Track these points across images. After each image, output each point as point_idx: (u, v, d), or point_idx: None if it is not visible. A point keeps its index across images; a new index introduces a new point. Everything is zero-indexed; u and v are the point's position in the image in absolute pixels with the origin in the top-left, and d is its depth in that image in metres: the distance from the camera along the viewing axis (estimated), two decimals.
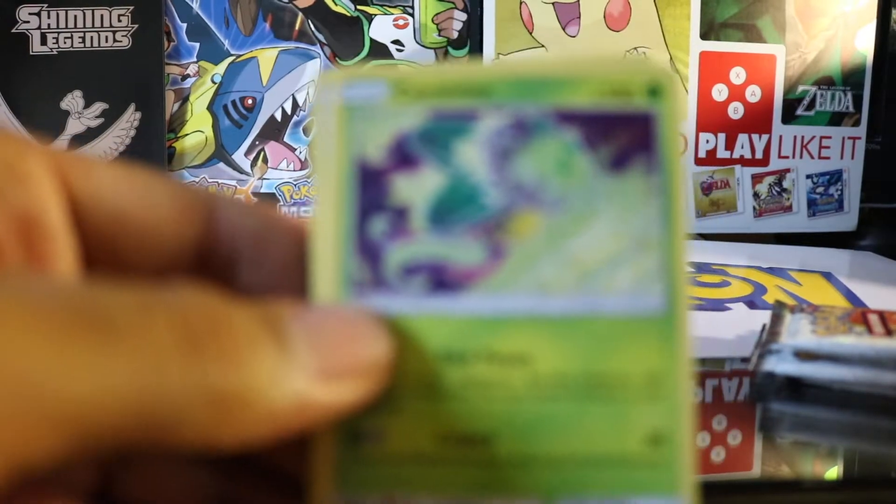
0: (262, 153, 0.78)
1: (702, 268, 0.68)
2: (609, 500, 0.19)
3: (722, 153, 0.82)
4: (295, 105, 0.79)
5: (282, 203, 0.78)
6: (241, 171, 0.78)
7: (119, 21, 0.72)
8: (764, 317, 0.49)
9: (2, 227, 0.18)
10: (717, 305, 0.58)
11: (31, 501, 0.17)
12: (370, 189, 0.20)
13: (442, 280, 0.20)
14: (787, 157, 0.83)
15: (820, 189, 0.83)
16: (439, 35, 0.79)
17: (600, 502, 0.19)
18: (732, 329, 0.52)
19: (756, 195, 0.83)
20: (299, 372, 0.17)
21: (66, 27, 0.70)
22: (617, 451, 0.19)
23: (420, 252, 0.20)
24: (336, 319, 0.18)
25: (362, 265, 0.20)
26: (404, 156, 0.20)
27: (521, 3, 0.79)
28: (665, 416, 0.19)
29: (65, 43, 0.70)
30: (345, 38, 0.78)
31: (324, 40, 0.78)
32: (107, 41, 0.72)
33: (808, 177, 0.83)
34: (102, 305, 0.15)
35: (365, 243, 0.20)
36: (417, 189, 0.20)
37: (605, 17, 0.80)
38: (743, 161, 0.82)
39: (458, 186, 0.20)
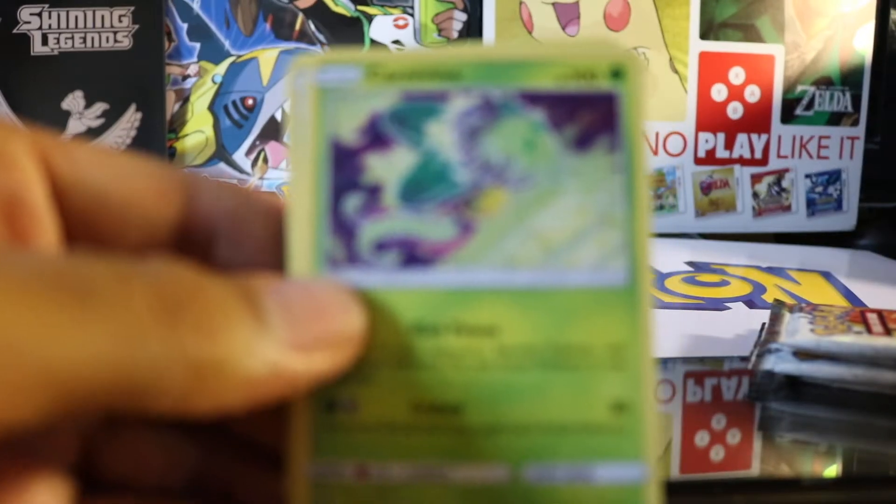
0: (262, 153, 0.78)
1: (701, 267, 0.68)
2: (575, 465, 0.20)
3: (721, 153, 0.82)
4: None
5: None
6: (242, 172, 0.78)
7: (120, 21, 0.72)
8: (763, 316, 0.49)
9: None
10: (717, 305, 0.58)
11: (12, 472, 0.17)
12: (344, 168, 0.21)
13: (413, 255, 0.20)
14: (786, 157, 0.83)
15: (819, 189, 0.83)
16: (439, 35, 0.79)
17: (566, 468, 0.19)
18: (732, 328, 0.53)
19: (755, 195, 0.83)
20: (273, 342, 0.17)
21: (67, 28, 0.70)
22: (582, 418, 0.20)
23: (392, 228, 0.20)
24: (310, 292, 0.19)
25: (336, 241, 0.20)
26: (377, 136, 0.21)
27: (520, 3, 0.79)
28: (628, 385, 0.20)
29: (66, 43, 0.70)
30: (345, 38, 0.78)
31: (324, 41, 0.78)
32: (108, 41, 0.72)
33: (806, 176, 0.84)
34: (81, 275, 0.15)
35: (339, 220, 0.20)
36: (390, 168, 0.21)
37: (604, 17, 0.80)
38: (742, 161, 0.82)
39: (429, 165, 0.20)
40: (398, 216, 0.20)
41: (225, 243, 0.21)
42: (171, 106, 0.77)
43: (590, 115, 0.21)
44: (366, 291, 0.20)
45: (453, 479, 0.20)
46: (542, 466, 0.20)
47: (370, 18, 0.79)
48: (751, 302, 0.59)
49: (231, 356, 0.16)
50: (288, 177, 0.21)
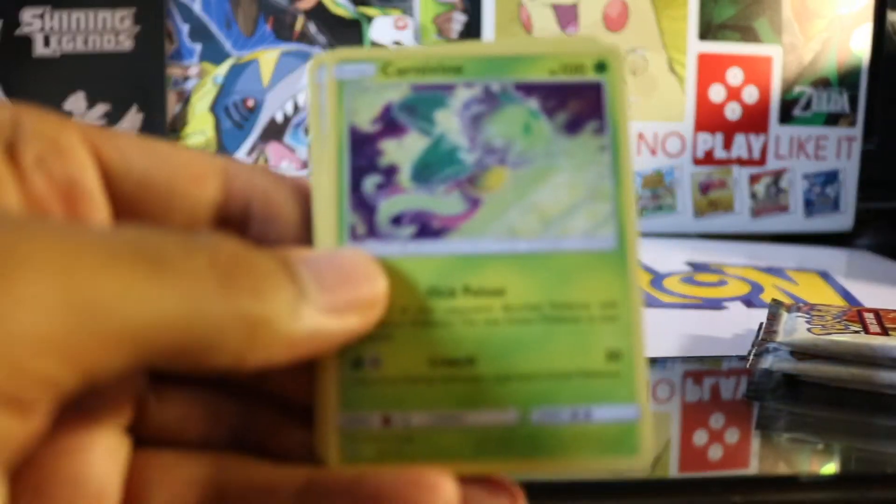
0: (263, 154, 0.79)
1: (699, 267, 0.69)
2: (576, 407, 0.22)
3: (719, 153, 0.82)
4: (296, 106, 0.79)
5: None
6: None
7: (121, 23, 0.72)
8: (761, 315, 0.49)
9: (48, 191, 0.20)
10: (715, 304, 0.58)
11: (75, 429, 0.20)
12: (362, 152, 0.23)
13: (427, 227, 0.23)
14: (783, 158, 0.83)
15: (816, 189, 0.84)
16: (439, 36, 0.79)
17: (569, 410, 0.22)
18: (730, 328, 0.53)
19: (753, 195, 0.83)
20: (311, 306, 0.19)
21: (69, 29, 0.70)
22: (581, 366, 0.22)
23: (407, 204, 0.23)
24: (338, 261, 0.21)
25: (358, 217, 0.23)
26: (391, 123, 0.23)
27: (519, 4, 0.79)
28: (621, 336, 0.22)
29: (67, 45, 0.70)
30: (345, 39, 0.78)
31: (325, 42, 0.78)
32: (109, 43, 0.72)
33: (804, 177, 0.84)
34: (153, 244, 0.17)
35: (359, 198, 0.23)
36: (403, 151, 0.23)
37: (603, 18, 0.80)
38: (740, 161, 0.83)
39: (438, 148, 0.23)
40: (412, 194, 0.23)
41: (258, 221, 0.23)
42: (172, 107, 0.77)
43: (579, 103, 0.23)
44: (385, 260, 0.22)
45: (468, 423, 0.22)
46: (548, 409, 0.22)
47: (370, 20, 0.79)
48: (749, 301, 0.59)
49: (278, 318, 0.18)
50: (310, 160, 0.23)
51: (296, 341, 0.19)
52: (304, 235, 0.23)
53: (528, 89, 0.23)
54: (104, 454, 0.21)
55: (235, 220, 0.23)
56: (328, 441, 0.22)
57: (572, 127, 0.23)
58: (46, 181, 0.20)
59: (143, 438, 0.22)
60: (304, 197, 0.23)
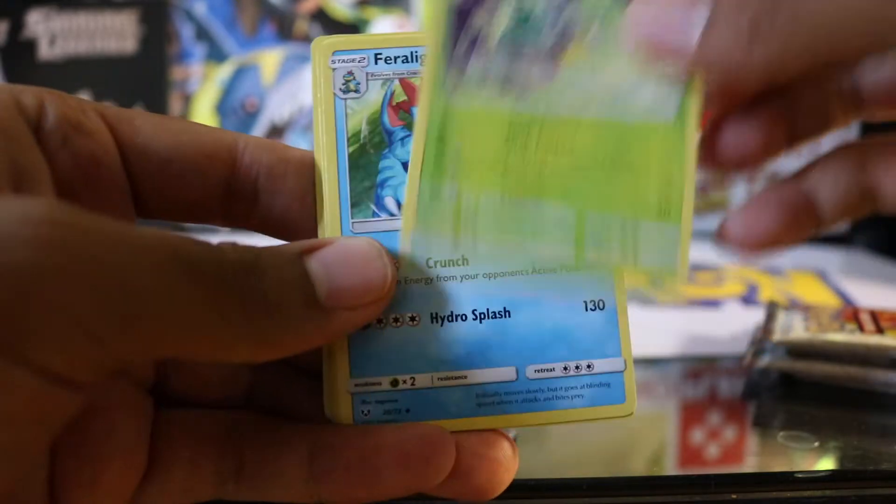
0: None
1: (697, 266, 0.69)
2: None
3: None
4: (298, 107, 0.79)
5: None
6: None
7: (125, 25, 0.73)
8: (758, 315, 0.49)
9: (74, 171, 0.21)
10: (712, 303, 0.59)
11: (105, 392, 0.22)
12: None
13: (510, 86, 0.24)
14: (780, 158, 0.83)
15: None
16: None
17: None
18: (727, 327, 0.53)
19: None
20: (322, 307, 0.20)
21: (74, 32, 0.70)
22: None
23: (491, 67, 0.24)
24: (349, 255, 0.22)
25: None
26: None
27: None
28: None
29: (72, 47, 0.70)
30: None
31: None
32: (113, 45, 0.72)
33: None
34: (186, 250, 0.18)
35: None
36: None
37: None
38: None
39: (524, 23, 0.24)
40: (496, 59, 0.24)
41: (265, 194, 0.24)
42: (176, 108, 0.77)
43: None
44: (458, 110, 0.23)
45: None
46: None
47: (371, 21, 0.79)
48: (746, 301, 0.59)
49: (295, 326, 0.20)
50: (315, 139, 0.24)
51: (308, 339, 0.20)
52: (308, 208, 0.24)
53: None
54: (130, 413, 0.22)
55: (245, 194, 0.24)
56: (339, 403, 0.23)
57: None
58: (72, 162, 0.21)
59: (164, 399, 0.24)
60: (308, 172, 0.24)
